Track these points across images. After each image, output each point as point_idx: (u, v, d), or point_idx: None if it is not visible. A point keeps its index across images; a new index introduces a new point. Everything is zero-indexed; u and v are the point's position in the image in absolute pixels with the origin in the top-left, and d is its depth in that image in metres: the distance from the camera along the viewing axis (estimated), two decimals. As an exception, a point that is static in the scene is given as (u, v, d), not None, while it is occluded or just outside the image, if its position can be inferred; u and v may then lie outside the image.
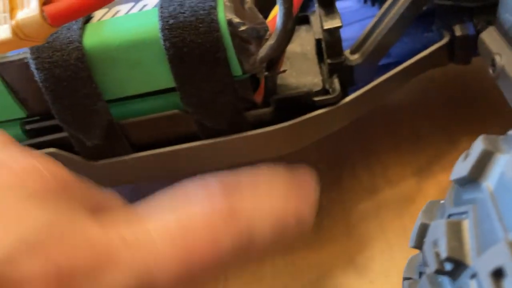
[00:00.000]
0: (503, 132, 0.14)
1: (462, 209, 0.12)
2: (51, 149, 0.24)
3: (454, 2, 0.28)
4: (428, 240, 0.13)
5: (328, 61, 0.24)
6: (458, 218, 0.12)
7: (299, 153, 0.33)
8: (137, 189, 0.34)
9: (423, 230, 0.14)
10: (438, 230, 0.12)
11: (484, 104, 0.34)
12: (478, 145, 0.12)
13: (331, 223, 0.30)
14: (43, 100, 0.22)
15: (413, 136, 0.33)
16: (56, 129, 0.24)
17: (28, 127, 0.24)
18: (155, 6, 0.22)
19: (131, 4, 0.22)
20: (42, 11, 0.14)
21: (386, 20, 0.27)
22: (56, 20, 0.15)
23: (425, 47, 0.28)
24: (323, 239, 0.29)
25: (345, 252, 0.29)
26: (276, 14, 0.20)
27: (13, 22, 0.15)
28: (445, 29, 0.28)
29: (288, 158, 0.33)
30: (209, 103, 0.22)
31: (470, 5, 0.28)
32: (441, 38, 0.28)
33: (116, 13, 0.22)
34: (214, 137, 0.23)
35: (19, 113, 0.24)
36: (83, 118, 0.23)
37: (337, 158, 0.33)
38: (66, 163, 0.23)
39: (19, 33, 0.15)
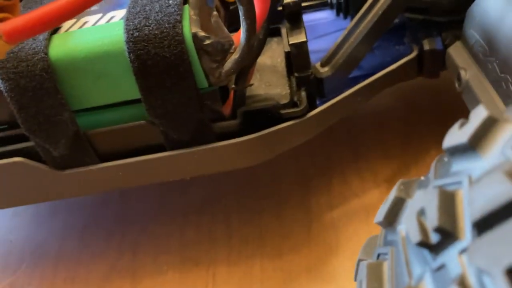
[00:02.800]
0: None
1: (452, 179, 0.11)
2: (18, 158, 0.24)
3: (423, 16, 0.29)
4: (410, 211, 0.12)
5: (296, 74, 0.24)
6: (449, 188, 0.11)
7: (290, 158, 0.33)
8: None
9: (397, 205, 0.13)
10: (427, 200, 0.11)
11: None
12: (480, 113, 0.11)
13: (320, 227, 0.30)
14: (9, 110, 0.22)
15: (403, 142, 0.34)
16: (22, 138, 0.24)
17: (2, 136, 0.24)
18: (122, 18, 0.22)
19: (99, 15, 0.22)
20: (3, 31, 0.14)
21: (356, 33, 0.27)
22: (12, 38, 0.15)
23: (395, 60, 0.29)
24: (312, 244, 0.29)
25: (335, 255, 0.29)
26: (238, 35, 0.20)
27: None
28: (414, 43, 0.29)
29: (279, 163, 0.33)
30: (174, 114, 0.22)
31: (439, 20, 0.28)
32: (410, 52, 0.29)
33: (83, 24, 0.22)
34: (179, 148, 0.23)
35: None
36: (49, 128, 0.23)
37: (328, 164, 0.33)
38: (33, 172, 0.24)
39: None
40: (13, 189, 0.25)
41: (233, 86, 0.23)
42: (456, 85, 0.26)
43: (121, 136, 0.24)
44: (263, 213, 0.31)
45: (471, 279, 0.09)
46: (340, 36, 0.28)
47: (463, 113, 0.30)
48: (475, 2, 0.24)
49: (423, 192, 0.12)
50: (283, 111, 0.24)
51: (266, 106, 0.24)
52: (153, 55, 0.21)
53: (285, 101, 0.24)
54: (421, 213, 0.11)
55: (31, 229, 0.35)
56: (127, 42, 0.21)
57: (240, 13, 0.19)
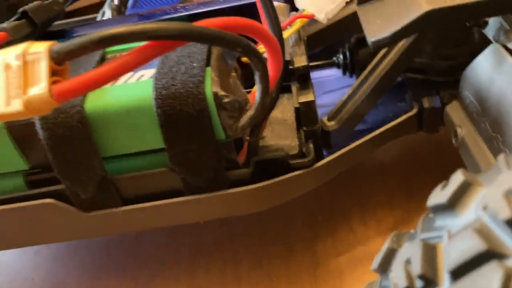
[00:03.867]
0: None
1: (434, 234, 0.13)
2: (49, 200, 0.26)
3: (423, 76, 0.31)
4: (399, 260, 0.14)
5: (304, 128, 0.27)
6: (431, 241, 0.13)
7: (299, 203, 0.35)
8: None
9: (389, 254, 0.15)
10: (412, 250, 0.13)
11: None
12: (457, 177, 0.13)
13: (324, 274, 0.32)
14: (45, 156, 0.25)
15: (406, 190, 0.36)
16: (54, 181, 0.26)
17: (29, 178, 0.27)
18: (151, 77, 0.24)
19: (130, 73, 0.25)
20: (50, 90, 0.17)
21: (361, 91, 0.30)
22: (61, 98, 0.17)
23: (397, 116, 0.31)
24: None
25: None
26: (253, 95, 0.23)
27: (25, 97, 0.17)
28: (415, 101, 0.31)
29: (287, 209, 0.35)
30: (194, 163, 0.25)
31: (438, 80, 0.31)
32: (411, 108, 0.31)
33: (115, 82, 0.25)
34: (196, 193, 0.26)
35: (22, 165, 0.26)
36: (80, 173, 0.25)
37: (334, 210, 0.35)
38: (62, 213, 0.26)
39: (29, 106, 0.17)
40: (41, 228, 0.28)
41: (247, 138, 0.26)
42: (453, 140, 0.28)
43: (144, 181, 0.26)
44: (271, 258, 0.33)
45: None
46: (346, 93, 0.30)
47: (463, 165, 0.31)
48: (469, 67, 0.27)
49: (410, 244, 0.14)
50: (292, 161, 0.26)
51: (277, 156, 0.26)
52: (178, 111, 0.23)
53: (294, 152, 0.27)
54: (408, 262, 0.13)
55: (51, 268, 0.36)
56: (156, 99, 0.23)
57: (256, 77, 0.22)
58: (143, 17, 0.33)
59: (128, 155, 0.25)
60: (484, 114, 0.26)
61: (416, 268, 0.12)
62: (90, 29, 0.32)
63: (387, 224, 0.34)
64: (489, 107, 0.25)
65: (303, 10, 0.25)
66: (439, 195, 0.13)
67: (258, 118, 0.24)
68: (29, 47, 0.17)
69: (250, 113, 0.23)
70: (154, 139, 0.24)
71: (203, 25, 0.19)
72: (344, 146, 0.29)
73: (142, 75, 0.25)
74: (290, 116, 0.29)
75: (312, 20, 0.26)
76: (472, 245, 0.11)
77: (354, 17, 0.26)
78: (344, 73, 0.34)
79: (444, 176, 0.30)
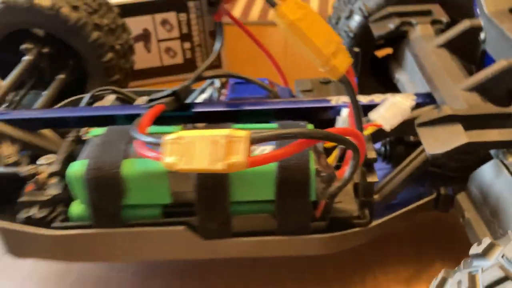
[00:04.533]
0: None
1: (474, 269, 0.24)
2: (181, 227, 0.37)
3: (441, 171, 0.44)
4: (452, 283, 0.25)
5: (363, 198, 0.39)
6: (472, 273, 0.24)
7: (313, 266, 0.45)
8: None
9: (442, 282, 0.27)
10: (461, 277, 0.24)
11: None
12: (487, 240, 0.24)
13: None
14: (190, 198, 0.36)
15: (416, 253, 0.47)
16: (188, 214, 0.37)
17: (167, 210, 0.37)
18: (271, 151, 0.36)
19: (256, 147, 0.37)
20: (247, 161, 0.28)
21: (399, 176, 0.42)
22: (251, 166, 0.28)
23: (419, 198, 0.43)
24: None
25: None
26: (345, 167, 0.35)
27: (226, 162, 0.28)
28: (434, 188, 0.43)
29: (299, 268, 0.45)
30: (292, 213, 0.36)
31: (451, 175, 0.44)
32: (430, 193, 0.43)
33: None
34: (287, 235, 0.37)
35: (167, 200, 0.37)
36: (213, 212, 0.36)
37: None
38: (188, 238, 0.36)
39: (228, 168, 0.28)
40: (169, 247, 0.38)
41: (326, 200, 0.37)
42: (461, 220, 0.40)
43: (251, 221, 0.37)
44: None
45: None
46: (388, 176, 0.42)
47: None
48: (477, 171, 0.39)
49: (459, 274, 0.25)
50: (354, 221, 0.38)
51: (345, 216, 0.38)
52: (291, 178, 0.35)
53: (355, 214, 0.38)
54: (459, 283, 0.25)
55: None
56: (278, 167, 0.35)
57: (351, 162, 0.34)
58: (244, 104, 0.45)
59: (246, 202, 0.37)
60: (485, 205, 0.38)
61: (464, 285, 0.24)
62: (210, 107, 0.44)
63: (400, 277, 0.46)
64: (489, 201, 0.37)
65: (374, 120, 0.38)
66: (476, 248, 0.25)
67: (342, 189, 0.35)
68: (233, 133, 0.29)
69: (338, 184, 0.35)
70: (269, 193, 0.36)
71: (331, 131, 0.31)
72: (381, 215, 0.41)
73: (264, 150, 0.37)
74: (350, 187, 0.41)
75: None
76: (496, 273, 0.23)
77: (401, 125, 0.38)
78: (383, 159, 0.46)
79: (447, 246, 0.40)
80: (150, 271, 0.48)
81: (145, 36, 0.78)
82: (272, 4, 0.30)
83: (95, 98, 0.54)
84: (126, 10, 0.72)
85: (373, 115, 0.38)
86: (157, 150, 0.30)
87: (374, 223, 0.39)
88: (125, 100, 0.53)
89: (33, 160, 0.43)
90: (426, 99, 0.42)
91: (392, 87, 0.55)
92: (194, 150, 0.29)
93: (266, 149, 0.37)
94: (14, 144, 0.45)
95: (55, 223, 0.38)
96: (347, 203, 0.39)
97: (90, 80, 0.66)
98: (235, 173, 0.35)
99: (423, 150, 0.42)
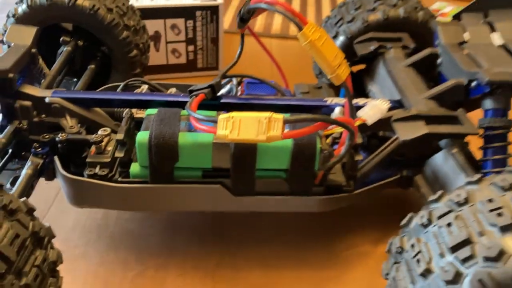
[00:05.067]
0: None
1: None
2: (217, 186, 0.50)
3: (403, 159, 0.59)
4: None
5: (349, 172, 0.53)
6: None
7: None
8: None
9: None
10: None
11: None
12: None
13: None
14: (224, 165, 0.49)
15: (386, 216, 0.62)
16: (222, 177, 0.50)
17: (206, 173, 0.50)
18: (288, 133, 0.49)
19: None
20: (282, 134, 0.41)
21: (373, 162, 0.56)
22: (285, 137, 0.41)
23: (386, 177, 0.58)
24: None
25: None
26: (341, 147, 0.49)
27: (267, 135, 0.41)
28: (398, 171, 0.58)
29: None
30: (300, 179, 0.50)
31: (410, 162, 0.58)
32: (395, 175, 0.58)
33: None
34: (295, 195, 0.50)
35: (208, 165, 0.49)
36: (244, 175, 0.49)
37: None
38: (222, 194, 0.49)
39: (268, 139, 0.41)
40: (206, 200, 0.51)
41: (324, 171, 0.51)
42: (418, 194, 0.55)
43: (268, 184, 0.50)
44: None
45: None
46: (365, 160, 0.57)
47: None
48: (431, 158, 0.54)
49: (422, 212, 0.40)
50: (344, 188, 0.52)
51: (337, 184, 0.51)
52: (302, 152, 0.48)
53: (343, 183, 0.52)
54: (422, 218, 0.39)
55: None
56: (294, 144, 0.48)
57: (346, 141, 0.47)
58: (260, 99, 0.58)
59: (266, 169, 0.50)
60: (436, 182, 0.53)
61: (425, 218, 0.38)
62: (234, 100, 0.57)
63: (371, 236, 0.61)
64: (439, 179, 0.52)
65: (361, 116, 0.52)
66: (432, 197, 0.39)
67: (336, 164, 0.49)
68: (272, 115, 0.42)
69: (334, 160, 0.49)
70: (284, 163, 0.49)
71: (337, 119, 0.45)
72: (360, 188, 0.55)
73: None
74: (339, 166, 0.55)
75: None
76: (444, 209, 0.37)
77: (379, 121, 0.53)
78: (362, 150, 0.61)
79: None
80: (176, 227, 0.60)
81: (156, 37, 0.90)
82: (299, 27, 0.44)
83: (127, 87, 0.66)
84: (143, 14, 0.83)
85: (360, 112, 0.52)
86: (207, 125, 0.43)
87: (357, 191, 0.53)
88: (154, 91, 0.65)
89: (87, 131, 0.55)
90: (397, 104, 0.56)
91: (364, 96, 0.70)
92: (241, 126, 0.42)
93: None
94: (73, 118, 0.56)
95: (119, 179, 0.50)
96: (337, 175, 0.53)
97: (114, 72, 0.77)
98: (261, 146, 0.48)
99: (391, 143, 0.56)
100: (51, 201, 0.64)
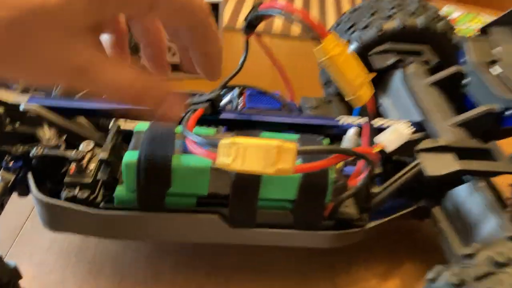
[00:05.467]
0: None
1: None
2: (215, 215, 0.44)
3: (419, 186, 0.53)
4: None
5: (363, 205, 0.47)
6: None
7: None
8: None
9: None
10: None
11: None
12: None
13: None
14: (222, 192, 0.43)
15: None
16: (217, 205, 0.44)
17: (200, 200, 0.44)
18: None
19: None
20: (293, 168, 0.35)
21: (388, 190, 0.50)
22: (297, 171, 0.35)
23: (399, 207, 0.52)
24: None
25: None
26: (354, 182, 0.43)
27: (276, 167, 0.35)
28: (413, 200, 0.52)
29: None
30: (308, 211, 0.44)
31: (427, 192, 0.53)
32: (410, 204, 0.52)
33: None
34: (299, 229, 0.44)
35: (203, 192, 0.43)
36: (244, 205, 0.43)
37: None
38: (218, 225, 0.43)
39: (277, 172, 0.35)
40: (199, 231, 0.44)
41: (336, 203, 0.45)
42: (435, 229, 0.50)
43: (271, 215, 0.44)
44: None
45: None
46: (380, 187, 0.51)
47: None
48: (453, 190, 0.49)
49: (454, 268, 0.34)
50: (356, 222, 0.46)
51: (348, 218, 0.46)
52: (312, 183, 0.42)
53: (356, 216, 0.46)
54: (455, 275, 0.33)
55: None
56: (303, 175, 0.42)
57: (363, 175, 0.41)
58: (265, 115, 0.51)
59: (270, 199, 0.44)
60: (458, 218, 0.47)
61: (458, 276, 0.32)
62: (235, 116, 0.50)
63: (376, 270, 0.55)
64: (461, 215, 0.47)
65: (380, 142, 0.46)
66: (465, 250, 0.34)
67: (352, 195, 0.43)
68: (283, 144, 0.36)
69: (348, 193, 0.43)
70: (291, 193, 0.43)
71: (358, 151, 0.39)
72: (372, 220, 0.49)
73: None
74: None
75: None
76: (484, 269, 0.31)
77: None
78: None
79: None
80: (163, 250, 0.54)
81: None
82: (317, 40, 0.37)
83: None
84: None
85: (380, 137, 0.46)
86: (205, 149, 0.37)
87: (370, 225, 0.47)
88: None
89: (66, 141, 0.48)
90: (417, 127, 0.51)
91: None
92: (246, 154, 0.36)
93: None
94: (51, 128, 0.49)
95: (102, 204, 0.43)
96: (349, 207, 0.47)
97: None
98: (265, 177, 0.42)
99: (410, 169, 0.51)
100: (26, 216, 0.57)
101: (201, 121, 0.48)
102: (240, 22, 1.10)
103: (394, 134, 0.46)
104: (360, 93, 0.38)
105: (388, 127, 0.48)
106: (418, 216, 0.52)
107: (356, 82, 0.38)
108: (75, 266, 0.52)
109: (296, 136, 0.47)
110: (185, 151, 0.43)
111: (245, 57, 0.53)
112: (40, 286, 0.50)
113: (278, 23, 1.10)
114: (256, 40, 0.54)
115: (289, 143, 0.36)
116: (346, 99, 0.39)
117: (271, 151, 0.35)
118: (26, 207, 0.58)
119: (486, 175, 0.44)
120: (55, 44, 0.25)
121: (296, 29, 1.10)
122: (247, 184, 0.42)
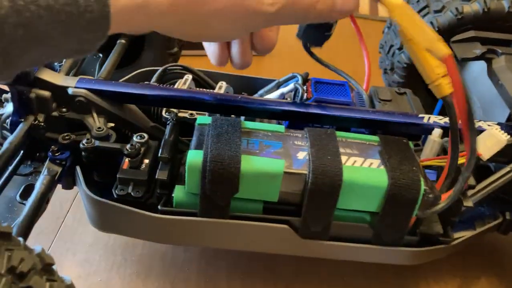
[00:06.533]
0: None
1: None
2: (285, 225, 0.39)
3: (506, 196, 0.47)
4: None
5: (450, 218, 0.41)
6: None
7: None
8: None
9: None
10: None
11: None
12: None
13: None
14: (293, 199, 0.37)
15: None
16: (288, 212, 0.39)
17: (267, 206, 0.39)
18: (381, 167, 0.38)
19: (362, 159, 0.38)
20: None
21: (477, 196, 0.45)
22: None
23: (480, 217, 0.46)
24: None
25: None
26: (447, 194, 0.37)
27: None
28: (500, 212, 0.47)
29: None
30: (393, 226, 0.38)
31: (515, 201, 0.47)
32: (493, 215, 0.47)
33: (356, 163, 0.38)
34: (381, 245, 0.39)
35: (274, 198, 0.38)
36: (320, 216, 0.38)
37: None
38: (289, 236, 0.38)
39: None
40: (267, 241, 0.40)
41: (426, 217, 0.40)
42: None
43: (348, 229, 0.39)
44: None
45: None
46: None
47: None
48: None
49: None
50: (441, 238, 0.40)
51: (434, 233, 0.40)
52: (400, 195, 0.37)
53: (441, 232, 0.41)
54: None
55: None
56: (390, 184, 0.36)
57: (454, 189, 0.36)
58: (338, 110, 0.46)
59: (349, 210, 0.38)
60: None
61: None
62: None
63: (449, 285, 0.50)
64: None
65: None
66: None
67: (443, 210, 0.38)
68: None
69: (441, 205, 0.37)
70: (375, 206, 0.38)
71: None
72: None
73: (372, 163, 0.38)
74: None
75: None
76: None
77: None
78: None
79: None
80: (217, 252, 0.49)
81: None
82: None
83: (165, 74, 0.54)
84: None
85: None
86: None
87: (455, 241, 0.42)
88: (201, 82, 0.53)
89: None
90: (510, 130, 0.44)
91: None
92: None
93: (372, 163, 0.38)
94: (100, 115, 0.44)
95: (159, 207, 0.39)
96: (432, 221, 0.42)
97: (147, 49, 0.65)
98: (347, 182, 0.37)
99: (500, 177, 0.45)
100: (67, 207, 0.53)
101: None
102: None
103: (491, 139, 0.40)
104: (442, 81, 0.34)
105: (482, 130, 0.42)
106: (503, 230, 0.47)
107: (439, 70, 0.34)
108: (121, 266, 0.48)
109: (376, 138, 0.41)
110: (252, 150, 0.38)
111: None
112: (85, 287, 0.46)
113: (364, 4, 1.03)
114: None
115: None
116: (427, 82, 0.34)
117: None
118: (67, 197, 0.53)
119: None
120: None
121: (362, 8, 1.02)
122: (325, 191, 0.37)
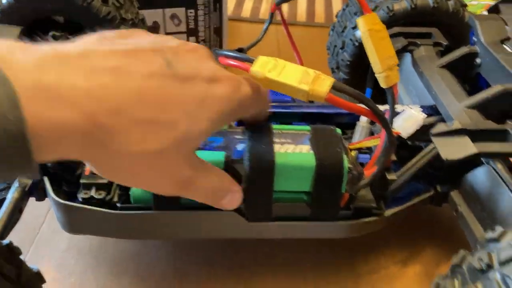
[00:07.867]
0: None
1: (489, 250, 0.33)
2: (231, 212, 0.43)
3: (438, 172, 0.52)
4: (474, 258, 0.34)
5: (380, 192, 0.46)
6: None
7: None
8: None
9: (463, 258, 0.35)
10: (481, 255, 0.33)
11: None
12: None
13: None
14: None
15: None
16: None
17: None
18: (310, 151, 0.43)
19: (293, 146, 0.43)
20: (326, 95, 0.34)
21: (407, 174, 0.50)
22: (328, 100, 0.34)
23: (417, 193, 0.51)
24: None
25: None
26: (371, 170, 0.42)
27: (311, 87, 0.35)
28: (431, 185, 0.52)
29: None
30: (324, 203, 0.43)
31: (446, 176, 0.52)
32: (427, 190, 0.52)
33: (288, 149, 0.43)
34: (318, 221, 0.44)
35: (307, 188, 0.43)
36: (259, 200, 0.43)
37: None
38: (235, 220, 0.42)
39: (310, 92, 0.36)
40: (218, 227, 0.44)
41: (352, 193, 0.45)
42: (454, 213, 0.49)
43: (288, 208, 0.44)
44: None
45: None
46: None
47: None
48: (471, 173, 0.48)
49: (479, 253, 0.33)
50: (374, 211, 0.45)
51: (366, 206, 0.45)
52: (327, 174, 0.42)
53: (373, 204, 0.46)
54: (479, 260, 0.33)
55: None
56: (317, 165, 0.41)
57: (377, 161, 0.41)
58: (274, 107, 0.51)
59: (287, 192, 0.43)
60: (477, 201, 0.47)
61: (484, 261, 0.32)
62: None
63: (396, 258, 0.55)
64: (480, 198, 0.46)
65: (395, 129, 0.45)
66: (491, 234, 0.33)
67: (366, 187, 0.43)
68: (321, 74, 0.35)
69: (364, 182, 0.42)
70: (308, 186, 0.43)
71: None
72: (388, 206, 0.49)
73: (302, 149, 0.43)
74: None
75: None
76: (509, 253, 0.31)
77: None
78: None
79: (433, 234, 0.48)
80: (185, 248, 0.54)
81: (154, 29, 0.82)
82: (361, 12, 0.39)
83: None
84: (140, 3, 0.76)
85: (394, 124, 0.45)
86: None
87: (388, 213, 0.47)
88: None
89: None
90: (431, 111, 0.50)
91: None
92: (284, 69, 0.35)
93: (303, 148, 0.43)
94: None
95: (118, 204, 0.44)
96: (365, 195, 0.47)
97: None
98: (280, 165, 0.41)
99: (425, 154, 0.50)
100: (42, 218, 0.58)
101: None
102: (245, 11, 1.09)
103: (409, 120, 0.46)
104: (389, 73, 0.39)
105: (401, 112, 0.47)
106: (436, 202, 0.52)
107: (388, 61, 0.39)
108: (95, 267, 0.52)
109: (307, 128, 0.47)
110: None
111: (267, 27, 0.53)
112: (61, 288, 0.50)
113: (302, 11, 1.09)
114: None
115: (325, 76, 0.35)
116: (376, 74, 0.39)
117: (310, 74, 0.35)
118: (42, 209, 0.58)
119: (503, 156, 0.44)
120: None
121: (301, 15, 1.09)
122: (260, 176, 0.42)
